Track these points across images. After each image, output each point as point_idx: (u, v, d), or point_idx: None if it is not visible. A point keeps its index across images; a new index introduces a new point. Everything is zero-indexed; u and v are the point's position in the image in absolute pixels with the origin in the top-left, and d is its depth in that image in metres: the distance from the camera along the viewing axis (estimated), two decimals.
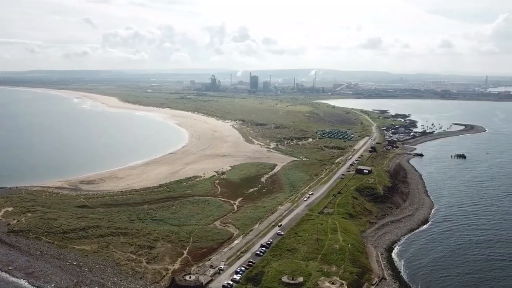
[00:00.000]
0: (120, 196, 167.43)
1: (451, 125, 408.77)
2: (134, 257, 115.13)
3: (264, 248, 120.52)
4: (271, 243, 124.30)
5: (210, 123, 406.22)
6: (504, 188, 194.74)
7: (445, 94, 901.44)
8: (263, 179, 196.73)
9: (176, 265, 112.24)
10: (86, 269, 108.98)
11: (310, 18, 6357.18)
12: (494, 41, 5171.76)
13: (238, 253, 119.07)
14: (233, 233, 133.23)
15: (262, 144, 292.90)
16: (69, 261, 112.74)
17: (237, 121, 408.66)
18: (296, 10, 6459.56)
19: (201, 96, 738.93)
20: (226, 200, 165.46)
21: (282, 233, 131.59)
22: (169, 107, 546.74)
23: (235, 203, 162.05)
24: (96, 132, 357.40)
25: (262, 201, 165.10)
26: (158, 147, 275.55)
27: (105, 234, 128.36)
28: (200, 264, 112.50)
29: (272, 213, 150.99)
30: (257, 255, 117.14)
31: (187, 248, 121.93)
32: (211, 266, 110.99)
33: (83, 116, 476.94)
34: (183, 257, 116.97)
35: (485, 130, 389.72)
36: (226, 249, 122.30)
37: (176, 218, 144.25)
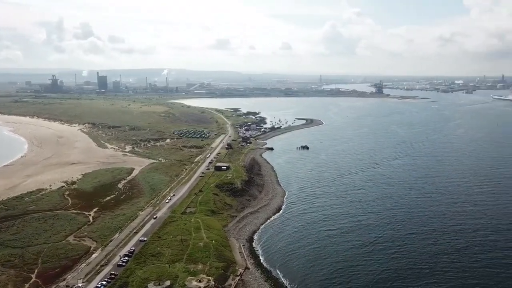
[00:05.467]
0: None
1: (295, 120, 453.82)
2: None
3: (126, 258, 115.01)
4: (134, 251, 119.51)
5: (53, 128, 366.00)
6: (335, 171, 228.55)
7: (288, 92, 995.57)
8: (120, 185, 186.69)
9: None
10: None
11: (157, 17, 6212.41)
12: (325, 44, 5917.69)
13: (97, 267, 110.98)
14: (90, 247, 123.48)
15: (117, 148, 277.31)
16: None
17: (86, 124, 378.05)
18: (142, 8, 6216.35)
19: (40, 99, 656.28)
20: (79, 212, 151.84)
21: (145, 239, 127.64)
22: (0, 113, 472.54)
23: (90, 214, 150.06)
24: None
25: (121, 209, 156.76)
26: None
27: None
28: (54, 287, 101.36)
29: (133, 220, 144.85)
30: (119, 265, 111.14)
31: (36, 271, 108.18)
32: (67, 286, 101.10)
33: None
34: (31, 282, 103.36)
35: (323, 123, 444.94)
36: (84, 264, 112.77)
37: (19, 239, 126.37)
